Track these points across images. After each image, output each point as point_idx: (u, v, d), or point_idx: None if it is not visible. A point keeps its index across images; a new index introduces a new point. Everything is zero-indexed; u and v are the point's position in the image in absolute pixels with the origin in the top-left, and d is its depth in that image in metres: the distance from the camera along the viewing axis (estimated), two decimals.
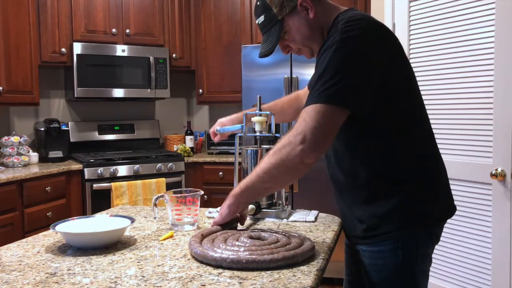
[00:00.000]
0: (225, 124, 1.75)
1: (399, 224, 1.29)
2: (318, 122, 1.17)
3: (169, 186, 3.56)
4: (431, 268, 1.39)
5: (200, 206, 1.52)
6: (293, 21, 1.36)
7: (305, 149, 1.18)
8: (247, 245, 1.14)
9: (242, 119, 1.70)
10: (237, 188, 1.30)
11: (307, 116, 1.19)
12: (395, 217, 1.29)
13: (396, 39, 1.32)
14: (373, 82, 1.23)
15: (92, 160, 3.43)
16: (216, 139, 1.77)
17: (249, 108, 1.80)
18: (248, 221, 1.53)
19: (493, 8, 2.42)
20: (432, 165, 1.36)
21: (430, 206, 1.32)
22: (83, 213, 3.39)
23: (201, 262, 1.12)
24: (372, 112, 1.25)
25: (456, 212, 1.43)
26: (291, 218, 1.56)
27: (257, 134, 1.64)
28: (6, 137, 3.35)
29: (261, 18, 1.40)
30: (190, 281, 1.01)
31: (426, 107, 1.41)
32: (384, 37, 1.28)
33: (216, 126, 1.76)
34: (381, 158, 1.30)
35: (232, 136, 4.44)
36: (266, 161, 1.24)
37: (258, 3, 1.40)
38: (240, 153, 1.68)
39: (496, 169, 2.40)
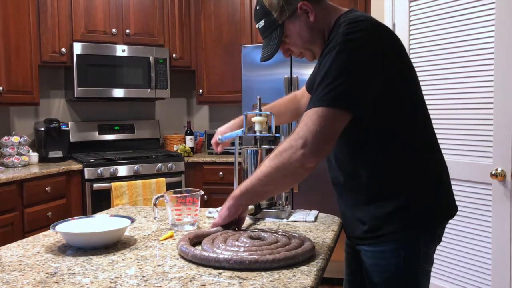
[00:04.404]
0: (225, 132, 1.74)
1: (400, 226, 1.29)
2: (320, 126, 1.17)
3: (169, 186, 3.56)
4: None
5: (200, 206, 1.52)
6: (293, 25, 1.35)
7: (306, 153, 1.17)
8: (246, 245, 1.14)
9: (240, 123, 1.70)
10: (237, 190, 1.30)
11: (309, 119, 1.19)
12: (397, 218, 1.29)
13: (398, 40, 1.31)
14: (376, 85, 1.22)
15: (92, 160, 3.43)
16: (219, 149, 1.75)
17: (249, 108, 1.80)
18: (248, 221, 1.53)
19: (493, 8, 2.42)
20: (433, 167, 1.36)
21: (432, 207, 1.32)
22: (83, 213, 3.38)
23: (201, 264, 1.11)
24: (374, 114, 1.25)
25: (457, 212, 1.43)
26: (291, 218, 1.56)
27: (257, 134, 1.64)
28: (6, 137, 3.35)
29: (261, 23, 1.38)
30: (190, 281, 1.01)
31: (427, 107, 1.40)
32: (387, 39, 1.28)
33: (217, 136, 1.74)
34: (382, 160, 1.30)
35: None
36: (266, 164, 1.24)
37: (257, 7, 1.39)
38: (240, 153, 1.68)
39: (496, 169, 2.39)
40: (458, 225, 2.61)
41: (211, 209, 1.69)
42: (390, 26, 3.02)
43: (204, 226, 1.49)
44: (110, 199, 3.38)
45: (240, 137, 1.70)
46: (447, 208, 1.38)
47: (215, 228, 1.30)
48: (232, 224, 1.34)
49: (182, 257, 1.17)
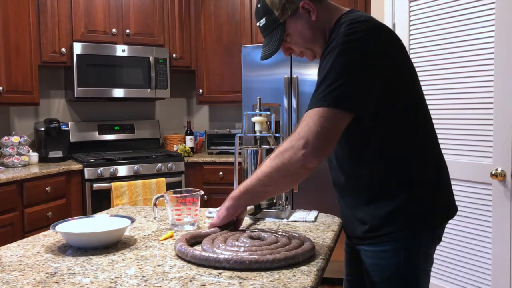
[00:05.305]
0: None
1: (401, 225, 1.29)
2: (321, 127, 1.17)
3: (169, 186, 3.57)
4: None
5: (200, 206, 1.52)
6: (295, 24, 1.34)
7: (307, 153, 1.17)
8: (247, 245, 1.14)
9: None
10: (237, 190, 1.30)
11: (310, 120, 1.18)
12: (398, 218, 1.29)
13: (399, 40, 1.31)
14: (376, 85, 1.22)
15: (92, 160, 3.43)
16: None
17: (249, 108, 1.79)
18: (248, 221, 1.53)
19: (493, 8, 2.42)
20: (434, 166, 1.36)
21: (432, 207, 1.32)
22: (83, 213, 3.39)
23: (200, 265, 1.11)
24: (374, 114, 1.25)
25: (457, 212, 1.43)
26: (291, 218, 1.56)
27: (257, 134, 1.64)
28: (6, 137, 3.35)
29: (262, 21, 1.38)
30: (190, 281, 1.01)
31: (428, 107, 1.40)
32: (388, 40, 1.28)
33: None
34: (383, 160, 1.30)
35: (232, 136, 4.43)
36: (267, 165, 1.24)
37: (259, 5, 1.39)
38: (240, 153, 1.68)
39: (496, 169, 2.39)
40: (458, 225, 2.61)
41: (211, 209, 1.69)
42: (390, 26, 3.02)
43: (204, 226, 1.49)
44: (110, 199, 3.37)
45: (240, 137, 1.70)
46: (447, 208, 1.38)
47: (212, 229, 1.29)
48: (230, 225, 1.34)
49: (180, 257, 1.17)
